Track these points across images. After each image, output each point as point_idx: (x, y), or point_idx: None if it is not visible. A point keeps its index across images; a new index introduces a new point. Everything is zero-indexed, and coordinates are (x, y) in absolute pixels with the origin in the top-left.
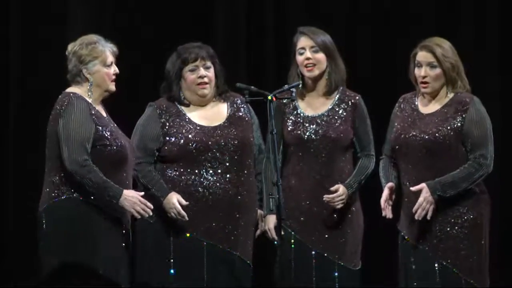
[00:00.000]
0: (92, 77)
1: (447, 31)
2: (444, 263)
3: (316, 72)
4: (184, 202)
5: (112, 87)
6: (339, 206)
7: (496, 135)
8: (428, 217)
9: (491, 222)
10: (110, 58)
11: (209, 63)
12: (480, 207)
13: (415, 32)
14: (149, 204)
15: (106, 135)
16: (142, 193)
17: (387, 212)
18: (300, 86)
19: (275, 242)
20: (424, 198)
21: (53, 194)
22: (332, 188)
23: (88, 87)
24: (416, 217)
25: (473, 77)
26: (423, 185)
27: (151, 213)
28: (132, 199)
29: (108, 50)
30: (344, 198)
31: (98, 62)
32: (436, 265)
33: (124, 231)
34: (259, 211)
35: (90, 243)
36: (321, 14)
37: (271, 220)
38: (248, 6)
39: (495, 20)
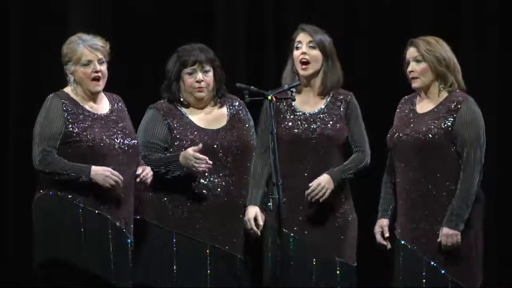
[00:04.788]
0: (73, 77)
1: (447, 31)
2: (432, 263)
3: (310, 71)
4: (197, 148)
5: (92, 87)
6: (325, 196)
7: (495, 136)
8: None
9: (489, 223)
10: (87, 57)
11: (208, 67)
12: (473, 208)
13: (415, 32)
14: (120, 176)
15: (77, 131)
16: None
17: (387, 245)
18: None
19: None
20: (445, 238)
21: (40, 190)
22: (314, 183)
23: (73, 86)
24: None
25: (473, 78)
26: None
27: (121, 184)
28: (104, 172)
29: (85, 48)
30: (327, 186)
31: (73, 62)
32: (423, 264)
33: (111, 230)
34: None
35: (70, 240)
36: (321, 14)
37: (251, 211)
38: (248, 6)
39: (495, 21)
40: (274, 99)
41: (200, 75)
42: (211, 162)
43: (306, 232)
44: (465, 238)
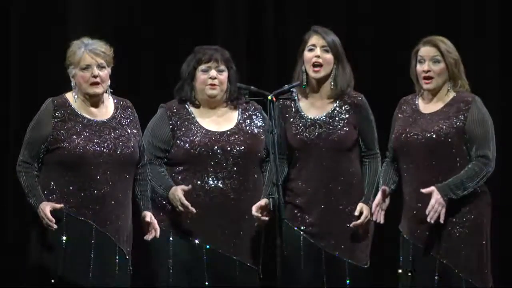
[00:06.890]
0: (74, 81)
1: (447, 31)
2: (445, 262)
3: (322, 73)
4: (186, 188)
5: (90, 90)
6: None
7: (496, 134)
8: (441, 220)
9: (492, 223)
10: (86, 61)
11: (222, 67)
12: (482, 207)
13: (415, 32)
14: (52, 219)
15: (62, 138)
16: (60, 205)
17: (378, 217)
18: (304, 85)
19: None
20: (435, 200)
21: None
22: (357, 212)
23: (75, 91)
24: (428, 219)
25: (473, 77)
26: (432, 188)
27: (55, 227)
28: (40, 213)
29: (85, 53)
30: (369, 215)
31: (73, 66)
32: (436, 264)
33: (95, 237)
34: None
35: (52, 245)
36: (321, 14)
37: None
38: (248, 6)
39: (495, 21)
40: (274, 99)
41: (214, 72)
42: (194, 210)
43: (317, 233)
44: (478, 238)
